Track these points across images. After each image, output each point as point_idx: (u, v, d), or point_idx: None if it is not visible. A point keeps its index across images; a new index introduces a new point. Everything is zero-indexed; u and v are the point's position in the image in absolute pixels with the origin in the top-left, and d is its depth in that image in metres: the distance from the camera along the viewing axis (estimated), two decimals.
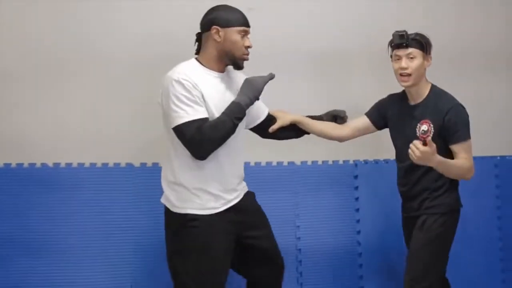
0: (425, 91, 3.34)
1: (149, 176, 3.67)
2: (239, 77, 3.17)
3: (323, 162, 3.97)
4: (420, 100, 3.34)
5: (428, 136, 2.97)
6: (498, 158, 4.21)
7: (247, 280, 3.33)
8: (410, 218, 3.40)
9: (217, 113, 3.01)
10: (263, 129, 3.37)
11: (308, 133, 3.48)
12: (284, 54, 3.89)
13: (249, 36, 3.11)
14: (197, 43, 3.15)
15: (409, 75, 3.28)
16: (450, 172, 3.22)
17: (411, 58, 3.28)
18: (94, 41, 3.71)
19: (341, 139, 3.53)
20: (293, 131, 3.44)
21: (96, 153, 3.68)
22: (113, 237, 3.64)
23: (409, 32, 3.30)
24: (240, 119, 3.04)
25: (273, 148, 3.66)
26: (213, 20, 3.06)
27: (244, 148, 3.21)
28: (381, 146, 3.88)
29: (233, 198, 3.14)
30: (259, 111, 3.33)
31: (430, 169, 3.22)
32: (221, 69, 3.12)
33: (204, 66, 3.08)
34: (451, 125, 3.23)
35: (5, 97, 3.64)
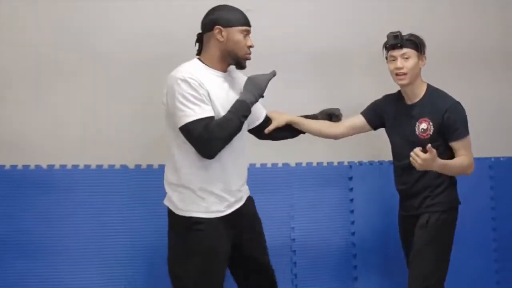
0: (421, 90, 3.36)
1: (143, 178, 3.67)
2: (241, 77, 3.16)
3: (317, 163, 3.96)
4: (416, 99, 3.36)
5: (427, 134, 2.98)
6: (493, 159, 4.21)
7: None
8: (409, 216, 3.41)
9: (222, 112, 2.99)
10: (260, 130, 3.37)
11: (304, 133, 3.48)
12: (284, 54, 3.88)
13: (250, 35, 3.11)
14: (198, 43, 3.14)
15: (405, 74, 3.31)
16: (452, 172, 3.27)
17: (406, 58, 3.31)
18: (94, 41, 3.70)
19: (336, 137, 3.54)
20: (289, 131, 3.44)
21: (95, 154, 3.67)
22: (109, 239, 3.63)
23: (405, 33, 3.32)
24: (246, 117, 3.02)
25: (268, 149, 3.66)
26: (215, 20, 3.05)
27: (247, 148, 3.19)
28: (375, 147, 3.89)
29: (237, 200, 3.11)
30: (258, 112, 3.32)
31: None
32: (224, 69, 3.11)
33: (207, 66, 3.07)
34: (451, 123, 3.25)
35: (1, 97, 3.62)
